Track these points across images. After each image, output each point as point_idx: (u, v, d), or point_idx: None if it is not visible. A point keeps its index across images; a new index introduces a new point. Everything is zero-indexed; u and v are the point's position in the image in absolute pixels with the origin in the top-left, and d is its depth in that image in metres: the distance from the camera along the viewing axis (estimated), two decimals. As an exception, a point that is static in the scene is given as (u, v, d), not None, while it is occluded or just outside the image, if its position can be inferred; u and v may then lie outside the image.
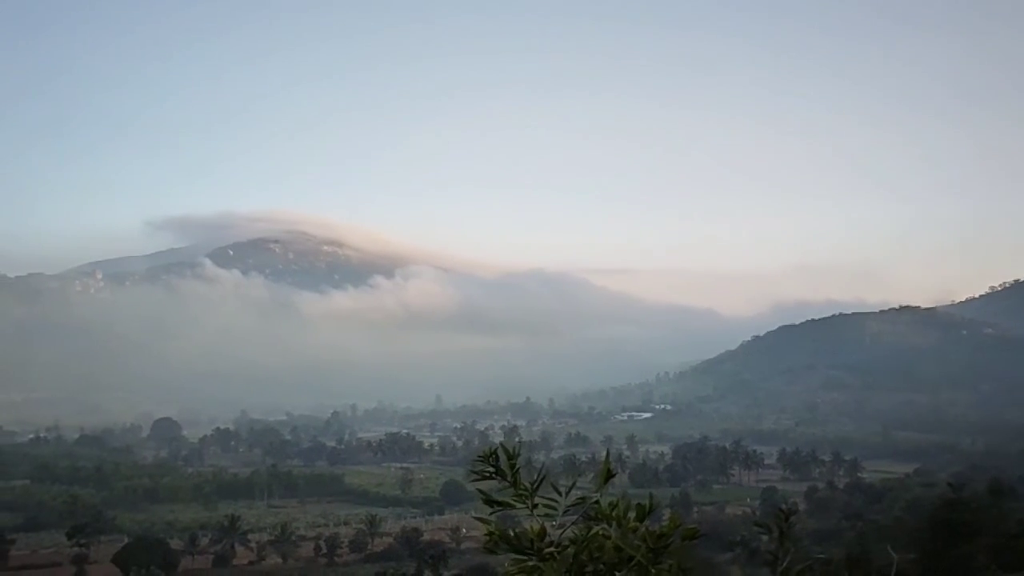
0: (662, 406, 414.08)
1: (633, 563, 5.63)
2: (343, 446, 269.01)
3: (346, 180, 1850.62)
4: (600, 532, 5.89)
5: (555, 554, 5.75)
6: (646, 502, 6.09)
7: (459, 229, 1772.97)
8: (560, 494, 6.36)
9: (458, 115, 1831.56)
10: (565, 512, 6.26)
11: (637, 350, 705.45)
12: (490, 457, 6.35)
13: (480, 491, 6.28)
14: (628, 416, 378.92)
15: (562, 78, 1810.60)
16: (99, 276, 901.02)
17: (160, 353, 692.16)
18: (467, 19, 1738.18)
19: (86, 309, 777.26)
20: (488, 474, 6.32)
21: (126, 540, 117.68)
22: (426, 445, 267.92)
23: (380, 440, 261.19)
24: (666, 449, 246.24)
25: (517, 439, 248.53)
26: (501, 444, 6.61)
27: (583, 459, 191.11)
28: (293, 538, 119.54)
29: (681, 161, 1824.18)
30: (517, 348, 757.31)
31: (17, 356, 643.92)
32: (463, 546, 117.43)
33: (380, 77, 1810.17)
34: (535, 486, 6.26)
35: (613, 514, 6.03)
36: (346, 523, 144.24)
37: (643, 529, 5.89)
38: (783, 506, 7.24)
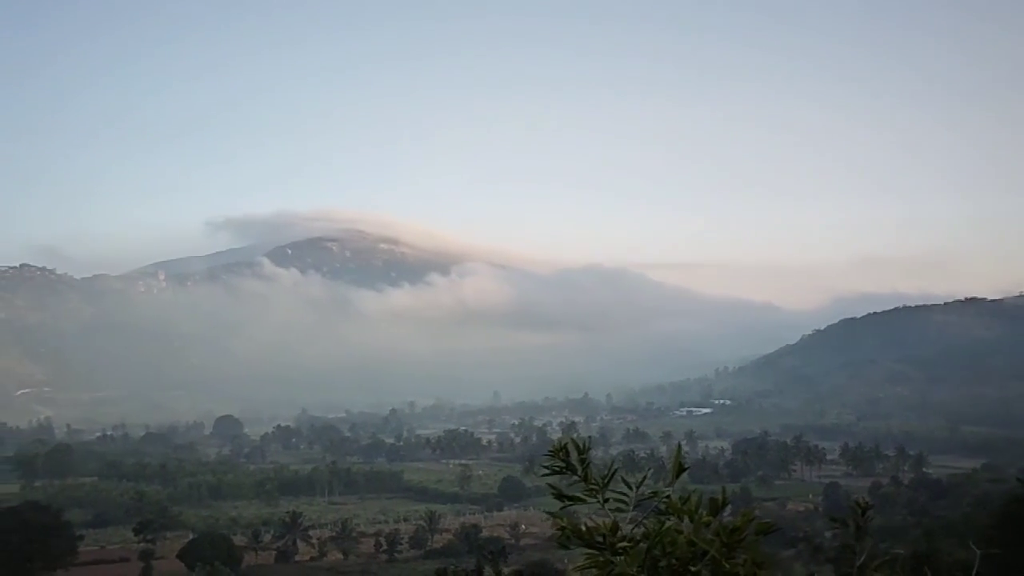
0: (721, 401, 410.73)
1: (707, 558, 5.57)
2: (402, 443, 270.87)
3: (402, 178, 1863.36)
4: (673, 527, 5.82)
5: (628, 548, 5.65)
6: (718, 496, 6.01)
7: (514, 226, 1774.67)
8: (630, 488, 6.30)
9: (514, 111, 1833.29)
10: (635, 507, 6.20)
11: (695, 345, 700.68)
12: (560, 452, 6.30)
13: (551, 486, 6.22)
14: (687, 412, 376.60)
15: (616, 76, 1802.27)
16: (162, 276, 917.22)
17: (221, 352, 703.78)
18: (513, 17, 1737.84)
19: (149, 309, 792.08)
20: (558, 469, 6.27)
21: (191, 536, 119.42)
22: (484, 442, 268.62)
23: (438, 437, 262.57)
24: (726, 445, 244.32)
25: (575, 435, 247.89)
26: (571, 438, 6.54)
27: (642, 455, 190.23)
28: (354, 534, 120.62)
29: (738, 154, 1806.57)
30: (574, 344, 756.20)
31: (84, 356, 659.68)
32: (522, 542, 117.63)
33: (434, 74, 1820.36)
34: (606, 481, 6.20)
35: (685, 508, 5.96)
36: (405, 519, 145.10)
37: (716, 523, 5.77)
38: (860, 500, 7.06)
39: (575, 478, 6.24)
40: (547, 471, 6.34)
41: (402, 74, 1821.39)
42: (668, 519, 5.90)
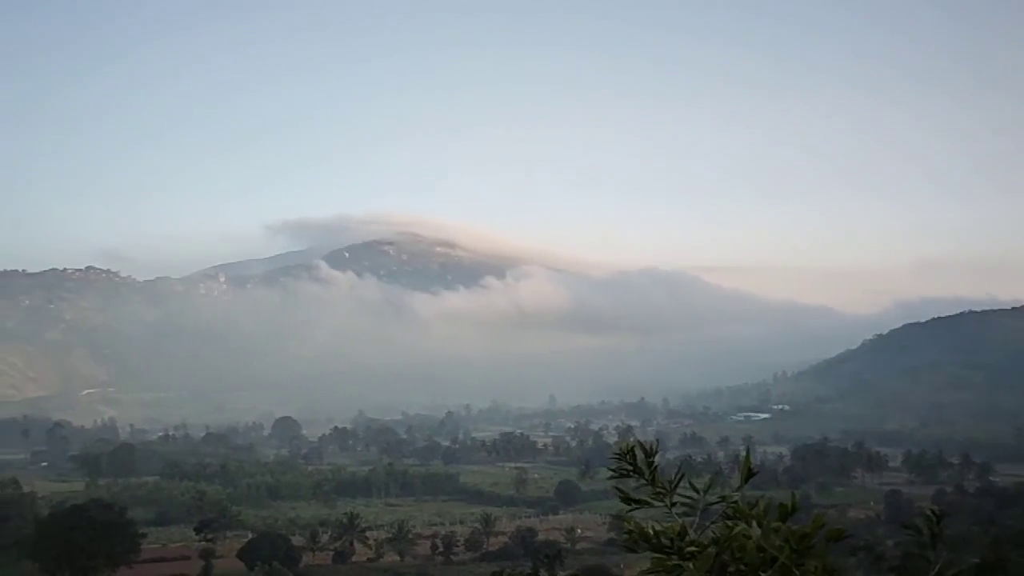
0: (780, 406, 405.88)
1: (777, 564, 5.52)
2: (457, 445, 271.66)
3: (457, 181, 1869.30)
4: (741, 531, 5.74)
5: (696, 553, 5.62)
6: (787, 502, 5.93)
7: (570, 229, 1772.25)
8: (697, 492, 6.24)
9: (569, 115, 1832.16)
10: (702, 511, 6.14)
11: (752, 349, 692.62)
12: (627, 455, 6.26)
13: (617, 488, 6.18)
14: (744, 416, 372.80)
15: (674, 79, 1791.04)
16: (222, 279, 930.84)
17: (279, 353, 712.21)
18: (565, 19, 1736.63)
19: (210, 311, 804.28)
20: (625, 472, 6.23)
21: (250, 535, 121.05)
22: (540, 445, 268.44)
23: (494, 440, 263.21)
24: (784, 450, 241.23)
25: (631, 439, 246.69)
26: (638, 441, 6.50)
27: (699, 460, 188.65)
28: (410, 536, 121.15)
29: (797, 157, 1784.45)
30: (630, 348, 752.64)
31: (147, 357, 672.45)
32: (578, 546, 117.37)
33: (489, 77, 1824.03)
34: (673, 484, 6.15)
35: (753, 513, 5.88)
36: (461, 522, 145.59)
37: (785, 529, 5.71)
38: (933, 508, 6.90)
39: (641, 482, 6.20)
40: (613, 474, 6.31)
41: (457, 78, 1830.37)
42: (737, 524, 5.83)
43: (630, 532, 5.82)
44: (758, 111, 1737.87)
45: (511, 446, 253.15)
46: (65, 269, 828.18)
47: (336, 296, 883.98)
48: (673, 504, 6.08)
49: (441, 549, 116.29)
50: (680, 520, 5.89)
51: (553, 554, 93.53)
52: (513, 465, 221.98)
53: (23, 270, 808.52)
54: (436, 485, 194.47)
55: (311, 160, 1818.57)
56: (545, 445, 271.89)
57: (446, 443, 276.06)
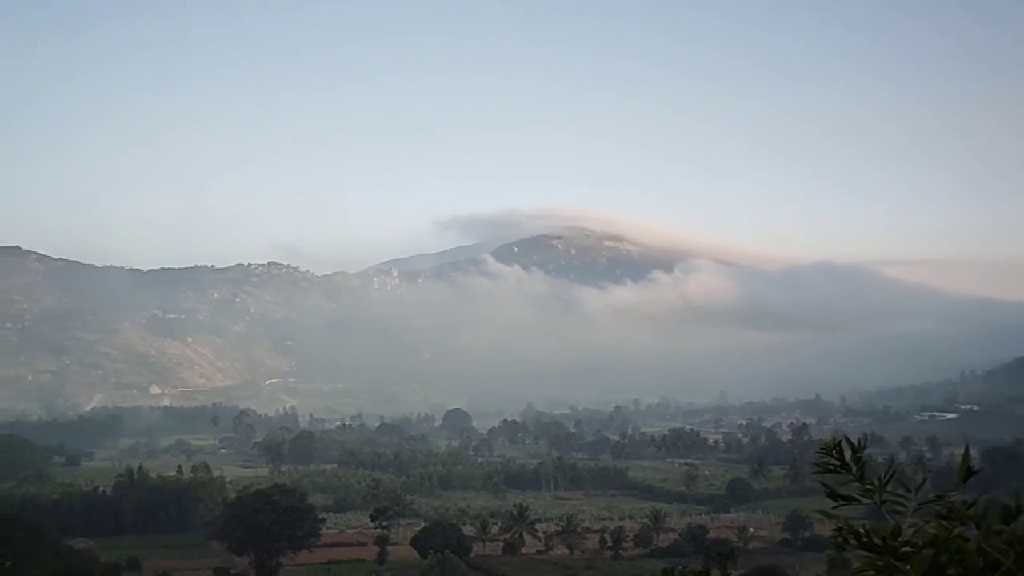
0: (967, 406, 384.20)
1: (1002, 570, 5.27)
2: (626, 440, 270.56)
3: (626, 174, 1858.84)
4: (960, 533, 5.49)
5: (912, 554, 5.45)
6: (1011, 503, 5.53)
7: (740, 222, 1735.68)
8: (909, 491, 5.90)
9: (735, 106, 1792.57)
10: (915, 511, 5.79)
11: (937, 346, 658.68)
12: (833, 449, 5.97)
13: (824, 484, 5.90)
14: (928, 416, 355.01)
15: (858, 62, 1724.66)
16: (395, 274, 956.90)
17: (450, 347, 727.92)
18: (740, 14, 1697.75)
19: (384, 305, 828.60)
20: (831, 467, 5.95)
21: (423, 524, 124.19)
22: (710, 441, 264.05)
23: (663, 435, 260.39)
24: (973, 453, 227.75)
25: (806, 437, 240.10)
26: (845, 436, 6.20)
27: (879, 460, 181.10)
28: (579, 529, 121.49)
29: (983, 140, 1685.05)
30: (804, 344, 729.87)
31: (325, 349, 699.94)
32: (751, 546, 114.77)
33: (659, 75, 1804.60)
34: (884, 482, 5.83)
35: (971, 514, 5.49)
36: (630, 517, 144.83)
37: (1008, 532, 5.49)
38: None
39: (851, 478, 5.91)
40: (818, 469, 6.04)
41: (626, 73, 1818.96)
42: (954, 525, 5.69)
43: (839, 530, 5.61)
44: (944, 96, 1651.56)
45: (681, 442, 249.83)
46: (249, 264, 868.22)
47: (504, 290, 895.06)
48: (883, 502, 5.75)
49: (610, 544, 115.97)
50: (893, 519, 5.62)
51: (725, 553, 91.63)
52: (683, 461, 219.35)
53: (212, 265, 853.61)
54: (605, 479, 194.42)
55: (479, 156, 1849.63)
56: (716, 442, 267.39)
57: (615, 438, 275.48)
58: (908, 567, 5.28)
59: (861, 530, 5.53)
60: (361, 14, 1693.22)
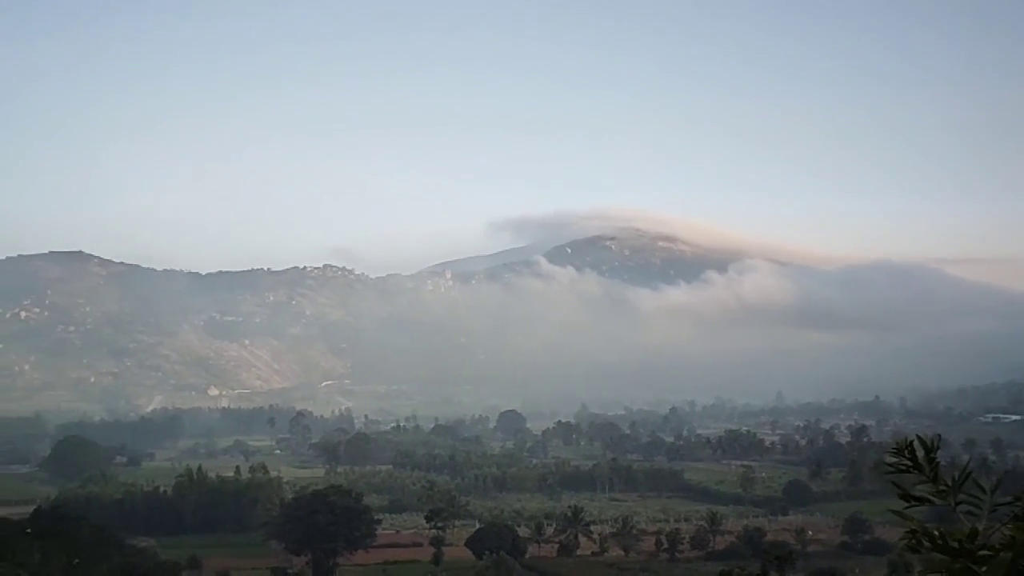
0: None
1: None
2: (681, 442, 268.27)
3: (679, 175, 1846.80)
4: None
5: (989, 558, 5.37)
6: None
7: (796, 221, 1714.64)
8: (985, 492, 5.73)
9: (788, 106, 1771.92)
10: (991, 512, 5.62)
11: (1001, 346, 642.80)
12: (906, 449, 5.83)
13: (895, 484, 5.76)
14: (993, 418, 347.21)
15: (917, 58, 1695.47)
16: (448, 276, 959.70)
17: (503, 348, 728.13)
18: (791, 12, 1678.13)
19: (438, 307, 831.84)
20: (903, 467, 5.80)
21: (477, 525, 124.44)
22: (767, 443, 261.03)
23: (719, 437, 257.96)
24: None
25: (865, 439, 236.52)
26: (918, 436, 6.05)
27: (942, 463, 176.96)
28: (634, 531, 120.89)
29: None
30: (863, 344, 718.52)
31: (380, 351, 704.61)
32: (809, 549, 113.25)
33: (711, 75, 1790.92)
34: (959, 483, 5.67)
35: (1050, 516, 5.48)
36: (686, 519, 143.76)
37: None
38: None
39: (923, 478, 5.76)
40: (890, 469, 5.90)
41: (680, 74, 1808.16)
42: None
43: (912, 532, 5.54)
44: (1005, 95, 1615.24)
45: (737, 444, 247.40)
46: (305, 267, 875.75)
47: (557, 291, 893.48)
48: (958, 503, 5.60)
49: (666, 546, 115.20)
50: (971, 521, 5.57)
51: (783, 556, 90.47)
52: (739, 463, 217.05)
53: (268, 268, 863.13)
54: (660, 481, 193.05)
55: (532, 158, 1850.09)
56: (772, 443, 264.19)
57: (670, 439, 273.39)
58: (984, 570, 5.23)
59: (936, 532, 5.52)
60: (426, 12, 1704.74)
